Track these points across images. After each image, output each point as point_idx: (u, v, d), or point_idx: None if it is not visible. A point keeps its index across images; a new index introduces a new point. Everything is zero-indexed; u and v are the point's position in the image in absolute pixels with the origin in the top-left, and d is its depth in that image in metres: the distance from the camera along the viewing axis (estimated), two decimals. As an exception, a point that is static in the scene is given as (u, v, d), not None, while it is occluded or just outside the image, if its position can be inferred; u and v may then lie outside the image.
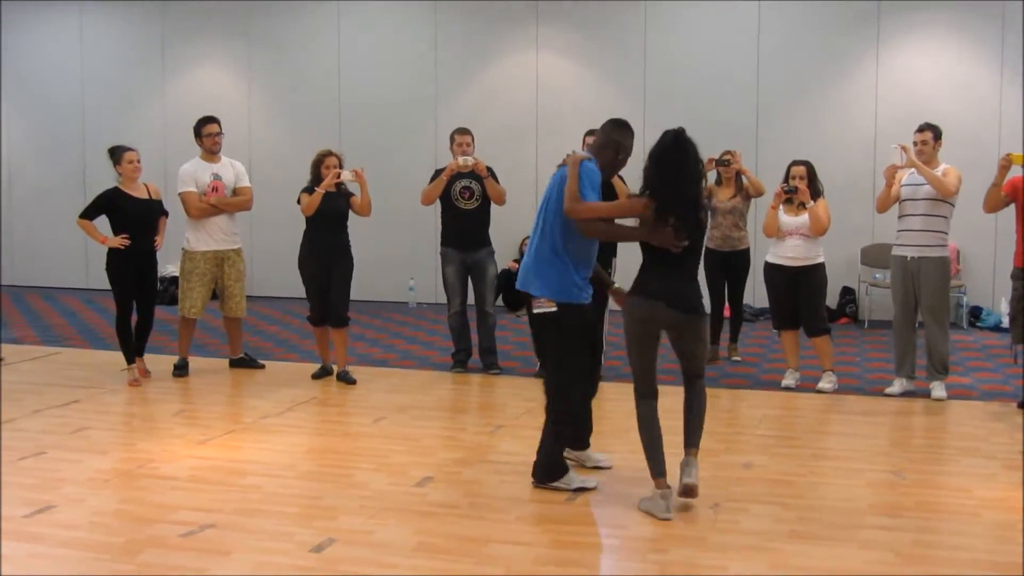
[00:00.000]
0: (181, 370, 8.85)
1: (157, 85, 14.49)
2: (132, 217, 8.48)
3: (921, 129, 8.00)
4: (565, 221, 5.52)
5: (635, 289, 5.48)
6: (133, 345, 8.64)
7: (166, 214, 8.79)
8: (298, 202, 8.62)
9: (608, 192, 5.92)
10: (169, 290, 12.97)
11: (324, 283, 8.66)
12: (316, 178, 8.59)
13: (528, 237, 11.84)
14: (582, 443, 6.13)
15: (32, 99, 15.09)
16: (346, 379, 8.62)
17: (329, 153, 8.66)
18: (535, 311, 5.64)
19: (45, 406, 7.69)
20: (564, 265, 5.58)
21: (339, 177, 8.46)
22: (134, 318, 8.69)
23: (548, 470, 5.72)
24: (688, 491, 5.31)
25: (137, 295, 8.65)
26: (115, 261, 8.52)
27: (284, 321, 11.91)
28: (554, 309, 5.58)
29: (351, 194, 8.74)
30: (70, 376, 8.86)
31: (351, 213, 8.73)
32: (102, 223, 8.58)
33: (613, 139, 5.74)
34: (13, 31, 15.04)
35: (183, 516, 5.26)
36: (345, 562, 4.66)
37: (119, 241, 8.42)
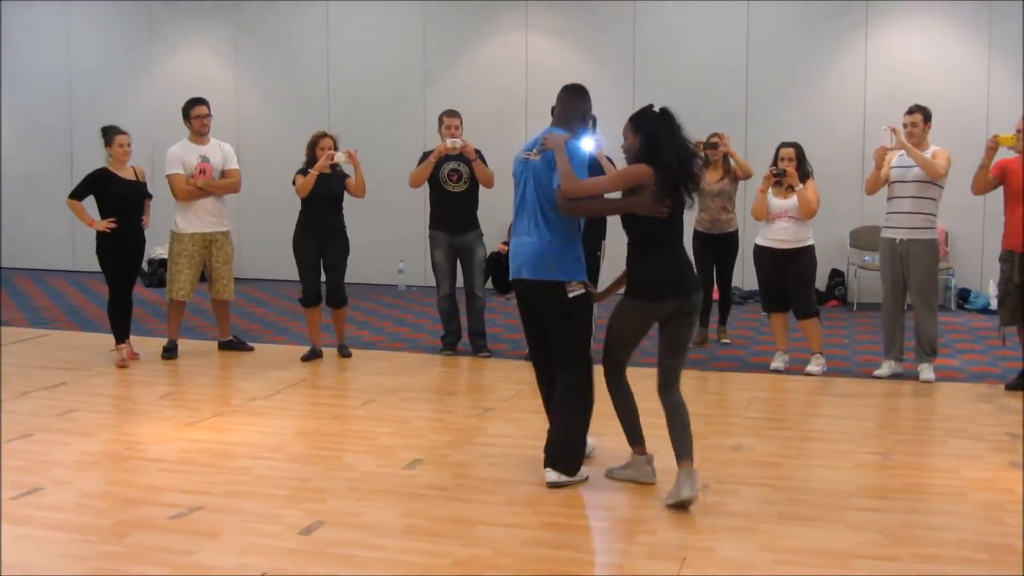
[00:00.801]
0: (170, 352, 8.84)
1: (144, 69, 14.41)
2: (119, 198, 8.49)
3: (911, 111, 7.99)
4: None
5: (636, 290, 5.33)
6: (124, 326, 8.64)
7: (150, 196, 8.80)
8: (293, 183, 8.63)
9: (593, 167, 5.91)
10: (158, 272, 12.95)
11: (318, 265, 8.71)
12: (311, 160, 8.62)
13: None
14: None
15: (19, 84, 14.99)
16: (343, 352, 8.84)
17: (324, 135, 8.71)
18: (571, 295, 5.42)
19: (33, 388, 7.67)
20: (577, 247, 5.53)
21: (332, 159, 8.49)
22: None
23: (575, 461, 5.52)
24: (685, 504, 5.08)
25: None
26: (104, 244, 8.53)
27: (272, 303, 11.89)
28: (583, 291, 5.46)
29: (346, 175, 8.77)
30: (58, 358, 8.83)
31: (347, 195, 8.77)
32: (91, 205, 8.57)
33: (579, 108, 5.68)
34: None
35: (171, 498, 5.25)
36: (334, 544, 4.65)
37: (105, 225, 8.43)
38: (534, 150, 5.52)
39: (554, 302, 5.45)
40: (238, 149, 9.73)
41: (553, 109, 5.80)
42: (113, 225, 8.42)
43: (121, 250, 8.53)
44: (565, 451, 5.49)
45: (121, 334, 8.63)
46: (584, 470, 5.56)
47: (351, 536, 4.76)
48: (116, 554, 4.55)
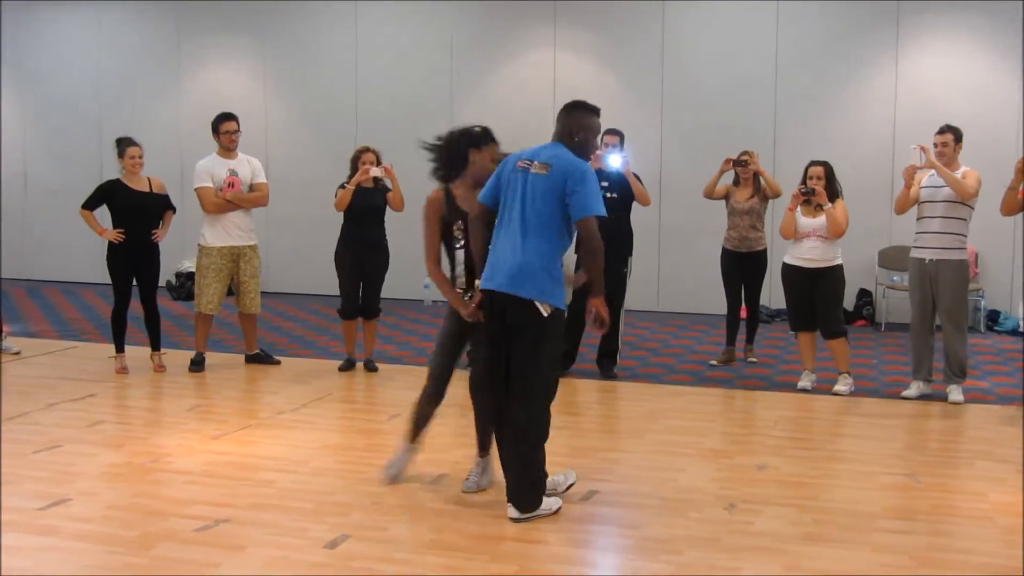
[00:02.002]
0: (197, 365, 8.88)
1: (173, 82, 14.52)
2: (128, 209, 8.61)
3: (942, 131, 7.96)
4: (562, 220, 5.23)
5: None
6: (123, 335, 8.79)
7: (172, 209, 8.87)
8: (336, 197, 8.74)
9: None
10: (186, 286, 13.02)
11: (359, 277, 8.80)
12: (354, 174, 8.71)
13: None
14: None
15: (49, 96, 15.13)
16: (369, 367, 8.91)
17: (366, 149, 8.86)
18: (545, 316, 5.19)
19: (60, 400, 7.72)
20: (559, 267, 5.30)
21: (368, 173, 8.58)
22: (140, 311, 8.87)
23: (538, 496, 5.27)
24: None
25: (140, 289, 8.79)
26: (113, 253, 8.67)
27: (299, 317, 11.93)
28: (547, 314, 5.20)
29: (388, 189, 8.84)
30: (86, 370, 8.88)
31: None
32: (104, 215, 8.72)
33: (566, 125, 5.47)
34: (30, 29, 15.10)
35: (197, 511, 5.27)
36: (358, 558, 4.66)
37: (114, 235, 8.55)
38: (536, 163, 5.31)
39: (537, 324, 5.19)
40: (266, 164, 9.79)
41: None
42: (121, 237, 8.53)
43: (129, 260, 8.65)
44: (524, 487, 5.24)
45: (122, 343, 8.77)
46: (554, 500, 5.33)
47: (376, 551, 4.76)
48: (141, 566, 4.57)
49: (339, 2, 13.68)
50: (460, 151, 5.77)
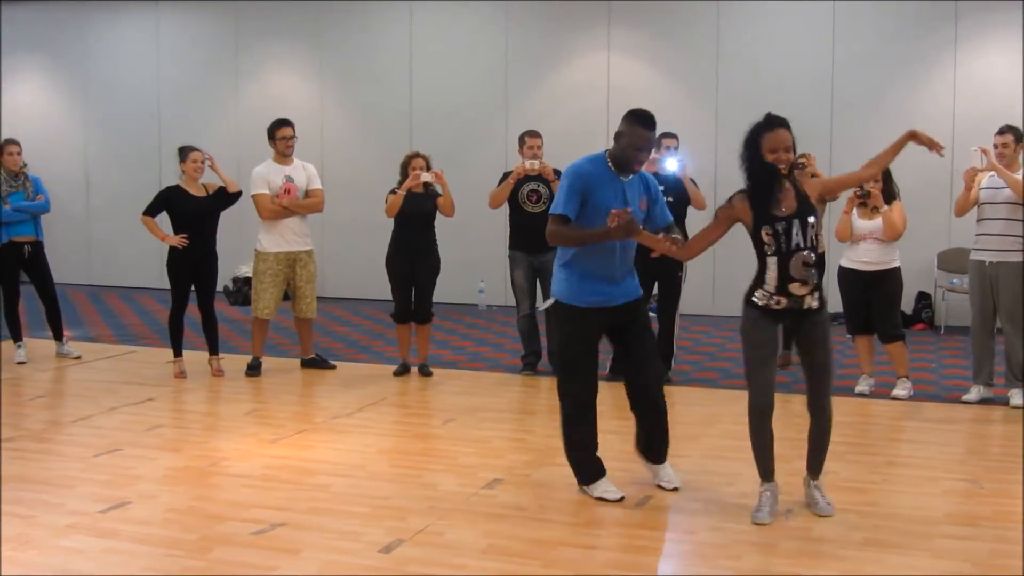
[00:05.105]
0: (254, 370, 8.95)
1: (231, 88, 14.66)
2: (188, 215, 8.71)
3: (1002, 132, 7.84)
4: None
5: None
6: (181, 339, 8.92)
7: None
8: (386, 202, 8.77)
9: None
10: (243, 291, 13.14)
11: (410, 282, 8.83)
12: (404, 180, 8.75)
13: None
14: (657, 456, 5.80)
15: (109, 102, 15.31)
16: (424, 371, 8.91)
17: (416, 155, 8.87)
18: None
19: (120, 404, 7.81)
20: (568, 271, 5.62)
21: (419, 179, 8.61)
22: (198, 316, 8.99)
23: (576, 471, 5.71)
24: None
25: (199, 294, 8.89)
26: (173, 258, 8.77)
27: (355, 322, 11.99)
28: (551, 304, 5.67)
29: (438, 195, 8.87)
30: (145, 375, 8.99)
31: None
32: (163, 221, 8.81)
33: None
34: (90, 35, 15.29)
35: (254, 514, 5.31)
36: (414, 563, 4.67)
37: (178, 240, 8.65)
38: None
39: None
40: (321, 169, 9.85)
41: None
42: (185, 242, 8.64)
43: (188, 265, 8.74)
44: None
45: (179, 347, 8.90)
46: (602, 489, 5.57)
47: (431, 555, 4.77)
48: (199, 568, 4.61)
49: (394, 5, 13.73)
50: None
